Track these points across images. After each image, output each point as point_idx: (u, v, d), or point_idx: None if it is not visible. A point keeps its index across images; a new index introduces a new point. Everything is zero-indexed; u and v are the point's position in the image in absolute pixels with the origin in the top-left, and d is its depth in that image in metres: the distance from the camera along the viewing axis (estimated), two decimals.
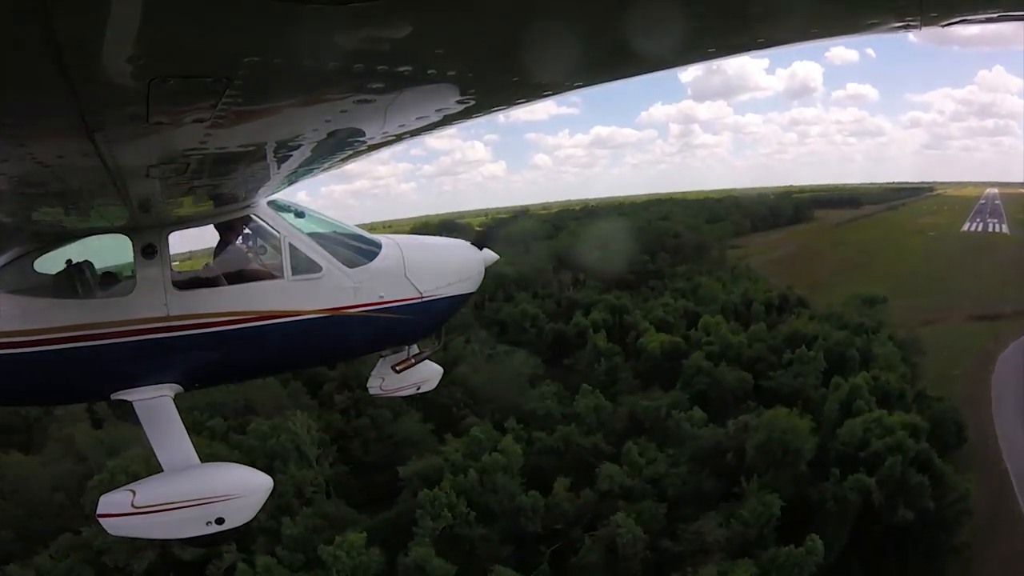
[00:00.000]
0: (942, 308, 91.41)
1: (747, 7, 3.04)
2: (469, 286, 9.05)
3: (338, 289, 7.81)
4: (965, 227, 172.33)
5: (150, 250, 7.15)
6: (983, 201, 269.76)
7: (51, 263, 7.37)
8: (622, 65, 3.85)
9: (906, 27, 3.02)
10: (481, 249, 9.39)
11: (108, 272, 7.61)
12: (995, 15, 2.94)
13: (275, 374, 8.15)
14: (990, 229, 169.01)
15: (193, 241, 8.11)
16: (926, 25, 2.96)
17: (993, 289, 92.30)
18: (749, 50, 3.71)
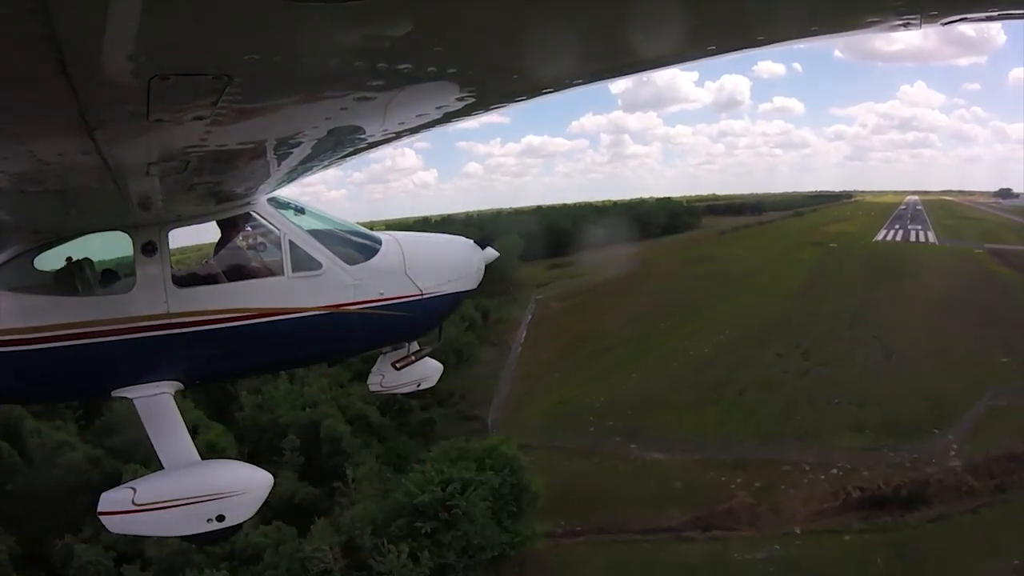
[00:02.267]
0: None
1: (747, 5, 3.04)
2: (469, 283, 9.07)
3: (338, 286, 7.82)
4: (880, 235, 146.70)
5: (150, 247, 7.15)
6: (903, 207, 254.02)
7: (51, 260, 7.37)
8: (622, 63, 3.85)
9: (906, 25, 3.02)
10: (483, 248, 9.39)
11: (108, 269, 7.61)
12: (994, 14, 2.94)
13: (275, 371, 8.20)
14: (912, 238, 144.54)
15: (193, 238, 8.11)
16: (926, 24, 2.96)
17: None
18: (749, 48, 3.71)
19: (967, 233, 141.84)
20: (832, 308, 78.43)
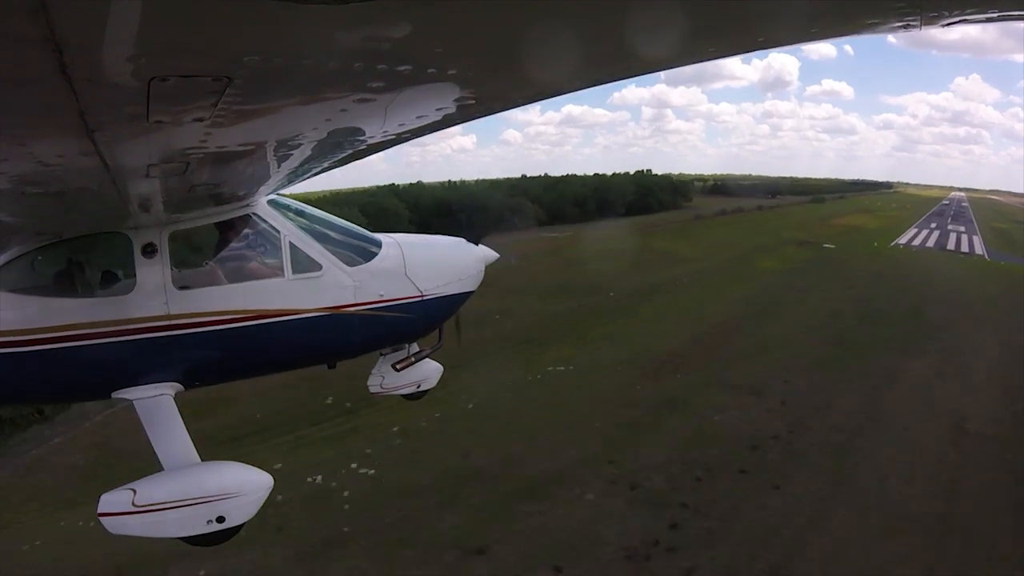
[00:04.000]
0: None
1: (748, 7, 3.04)
2: (469, 285, 9.07)
3: (338, 288, 7.82)
4: (905, 237, 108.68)
5: (150, 249, 7.15)
6: (946, 202, 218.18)
7: (52, 262, 7.38)
8: (623, 65, 3.85)
9: (906, 27, 3.01)
10: (476, 244, 9.42)
11: (108, 271, 7.61)
12: (995, 15, 2.94)
13: (275, 373, 8.20)
14: (950, 244, 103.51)
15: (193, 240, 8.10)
16: (926, 25, 2.96)
17: None
18: (750, 50, 3.71)
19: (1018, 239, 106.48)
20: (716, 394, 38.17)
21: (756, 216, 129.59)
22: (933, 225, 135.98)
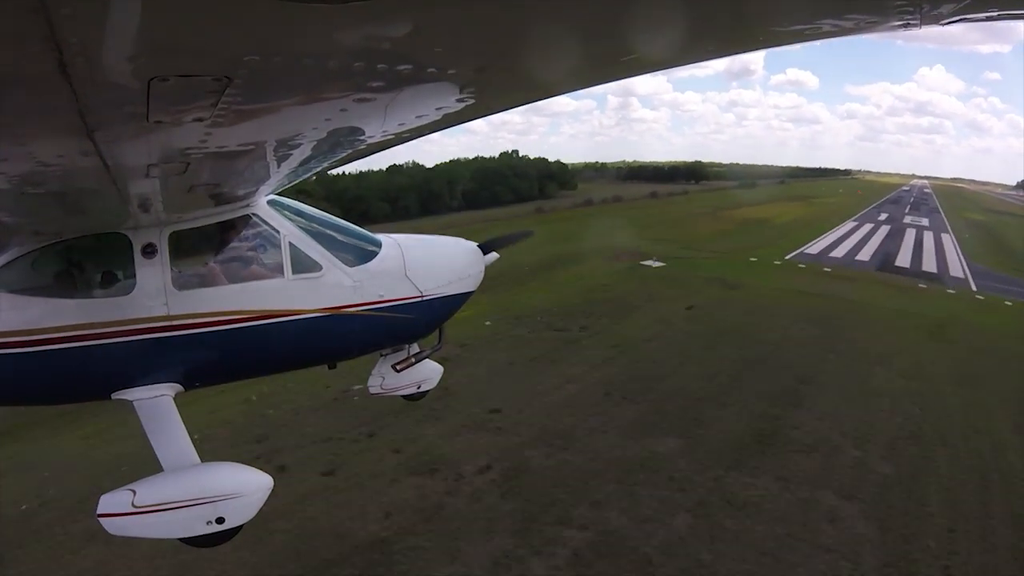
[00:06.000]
0: None
1: (746, 7, 3.04)
2: (469, 285, 9.08)
3: (338, 288, 7.83)
4: (824, 240, 66.59)
5: (150, 249, 7.16)
6: (906, 188, 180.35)
7: (51, 262, 7.37)
8: (622, 65, 3.85)
9: (906, 26, 3.01)
10: (485, 253, 9.41)
11: (108, 271, 7.61)
12: (994, 14, 2.94)
13: (275, 373, 8.22)
14: (906, 258, 60.26)
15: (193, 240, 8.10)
16: (926, 24, 2.96)
17: None
18: (748, 50, 3.71)
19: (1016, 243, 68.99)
20: None
21: (641, 205, 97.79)
22: (882, 217, 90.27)
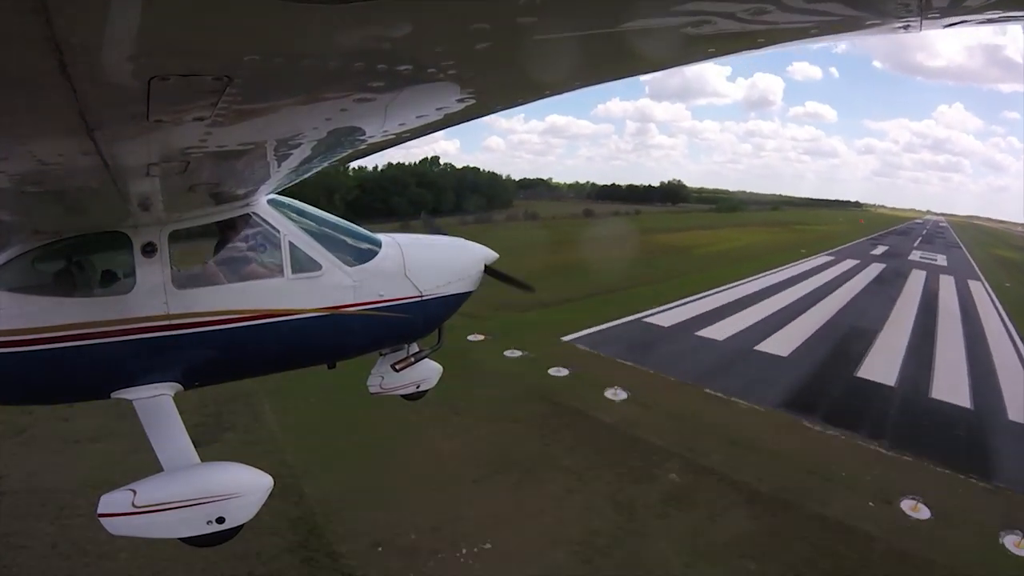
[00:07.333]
0: None
1: (746, 7, 3.04)
2: (469, 285, 9.09)
3: (338, 288, 7.83)
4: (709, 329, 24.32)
5: (150, 248, 7.16)
6: (919, 222, 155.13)
7: (51, 261, 7.37)
8: (623, 65, 3.85)
9: (906, 27, 3.01)
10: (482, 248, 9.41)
11: (108, 270, 7.61)
12: (995, 16, 2.93)
13: (274, 373, 8.22)
14: (899, 338, 25.33)
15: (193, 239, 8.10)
16: (927, 26, 2.96)
17: None
18: (748, 50, 3.70)
19: None
20: None
21: (554, 224, 78.44)
22: (877, 251, 64.78)
